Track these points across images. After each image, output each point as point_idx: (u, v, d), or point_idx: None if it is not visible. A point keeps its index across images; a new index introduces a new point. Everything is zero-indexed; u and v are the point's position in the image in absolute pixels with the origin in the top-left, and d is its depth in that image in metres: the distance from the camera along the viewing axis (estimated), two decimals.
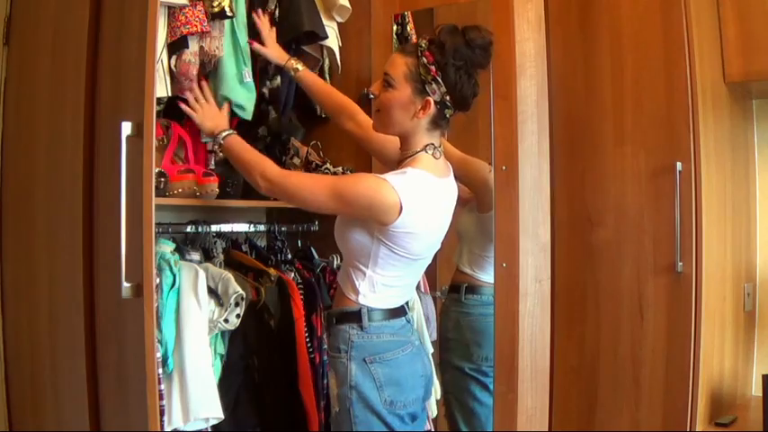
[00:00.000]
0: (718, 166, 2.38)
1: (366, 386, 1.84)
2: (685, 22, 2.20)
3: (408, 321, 1.96)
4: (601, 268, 2.35)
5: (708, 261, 2.21)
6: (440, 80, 1.82)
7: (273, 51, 2.20)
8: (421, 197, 1.82)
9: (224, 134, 1.98)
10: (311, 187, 1.88)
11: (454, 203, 1.98)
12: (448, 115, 1.87)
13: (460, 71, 1.82)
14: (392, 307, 1.91)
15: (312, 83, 2.20)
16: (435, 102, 1.83)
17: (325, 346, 2.35)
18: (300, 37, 2.35)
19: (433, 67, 1.81)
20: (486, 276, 2.39)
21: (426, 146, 1.87)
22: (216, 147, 2.04)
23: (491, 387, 2.35)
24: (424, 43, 1.84)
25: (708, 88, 2.29)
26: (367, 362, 1.85)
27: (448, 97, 1.83)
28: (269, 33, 2.21)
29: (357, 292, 1.87)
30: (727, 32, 2.41)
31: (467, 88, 1.84)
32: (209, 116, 2.04)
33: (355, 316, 1.87)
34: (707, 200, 2.22)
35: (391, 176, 1.80)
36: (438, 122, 1.87)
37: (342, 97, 2.20)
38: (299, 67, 2.19)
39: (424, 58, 1.81)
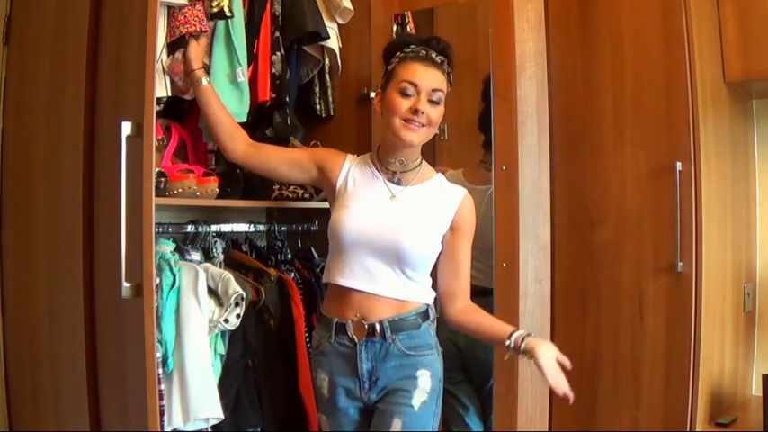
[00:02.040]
0: (719, 166, 2.38)
1: (443, 377, 1.97)
2: (685, 22, 2.20)
3: None
4: (601, 268, 2.35)
5: (708, 261, 2.21)
6: None
7: (197, 53, 2.03)
8: None
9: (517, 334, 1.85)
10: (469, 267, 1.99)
11: None
12: None
13: None
14: None
15: (214, 100, 2.02)
16: None
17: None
18: (303, 37, 2.36)
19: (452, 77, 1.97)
20: None
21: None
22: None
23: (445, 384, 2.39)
24: (443, 59, 1.93)
25: (708, 88, 2.29)
26: (442, 353, 1.98)
27: None
28: (204, 39, 2.08)
29: (429, 293, 1.97)
30: (727, 32, 2.41)
31: None
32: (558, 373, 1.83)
33: (428, 314, 1.97)
34: (707, 200, 2.21)
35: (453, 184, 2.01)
36: None
37: (234, 120, 2.09)
38: (207, 80, 2.02)
39: (451, 75, 1.96)
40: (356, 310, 1.91)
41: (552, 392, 2.35)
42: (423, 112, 1.88)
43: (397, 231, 1.89)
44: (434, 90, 1.89)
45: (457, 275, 1.95)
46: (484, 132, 2.43)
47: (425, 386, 1.90)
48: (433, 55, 1.92)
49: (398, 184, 1.97)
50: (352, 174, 2.01)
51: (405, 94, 1.89)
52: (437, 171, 2.04)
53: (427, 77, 1.89)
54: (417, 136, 1.91)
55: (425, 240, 1.92)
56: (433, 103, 1.89)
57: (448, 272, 1.96)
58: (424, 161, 2.01)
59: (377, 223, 1.90)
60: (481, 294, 2.33)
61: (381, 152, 1.99)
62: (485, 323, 1.95)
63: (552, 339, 2.36)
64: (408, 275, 1.91)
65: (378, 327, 1.89)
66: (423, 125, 1.90)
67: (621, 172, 2.32)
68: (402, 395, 1.89)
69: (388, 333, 1.88)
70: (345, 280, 1.93)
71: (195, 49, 2.01)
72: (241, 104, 2.19)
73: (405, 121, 1.89)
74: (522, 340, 1.82)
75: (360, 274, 1.90)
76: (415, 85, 1.89)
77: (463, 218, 1.96)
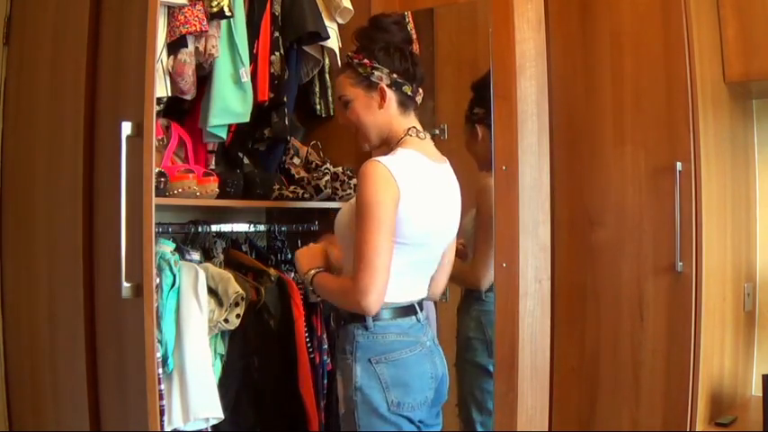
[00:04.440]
0: (718, 166, 2.38)
1: (371, 387, 1.82)
2: (685, 22, 2.20)
3: (419, 321, 1.91)
4: (601, 268, 2.35)
5: (708, 261, 2.21)
6: (378, 65, 1.92)
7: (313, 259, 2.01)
8: (414, 176, 1.83)
9: (312, 273, 1.91)
10: (376, 245, 1.76)
11: (456, 192, 1.99)
12: (408, 91, 1.94)
13: (389, 50, 1.94)
14: (400, 304, 1.88)
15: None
16: (387, 84, 1.92)
17: (325, 346, 2.35)
18: (303, 37, 2.36)
19: (366, 61, 1.93)
20: None
21: (408, 130, 1.94)
22: (308, 286, 1.96)
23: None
24: (350, 52, 1.98)
25: (708, 88, 2.29)
26: (372, 362, 1.83)
27: (395, 76, 1.92)
28: None
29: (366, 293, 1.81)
30: (727, 32, 2.41)
31: (405, 61, 1.95)
32: (307, 255, 1.97)
33: (360, 316, 1.83)
34: (707, 200, 2.21)
35: (384, 157, 1.84)
36: (404, 102, 1.94)
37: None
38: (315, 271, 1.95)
39: (355, 60, 1.94)
40: None
41: (552, 392, 2.37)
42: (344, 124, 1.98)
43: None
44: (339, 97, 1.97)
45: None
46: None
47: (341, 393, 1.87)
48: (346, 55, 1.99)
49: None
50: None
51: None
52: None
53: (335, 89, 2.00)
54: (362, 143, 1.99)
55: (338, 225, 1.94)
56: (345, 107, 1.96)
57: None
58: (400, 142, 1.92)
59: None
60: None
61: None
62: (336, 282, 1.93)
63: (552, 339, 2.36)
64: (348, 261, 1.86)
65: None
66: (356, 131, 1.97)
67: (621, 172, 2.32)
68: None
69: (334, 326, 1.93)
70: None
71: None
72: (245, 104, 2.20)
73: None
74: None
75: None
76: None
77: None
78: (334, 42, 2.48)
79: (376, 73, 1.91)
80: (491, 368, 2.36)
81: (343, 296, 1.84)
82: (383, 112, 1.92)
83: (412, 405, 1.84)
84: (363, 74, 1.92)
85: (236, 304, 2.05)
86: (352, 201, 1.88)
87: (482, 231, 2.36)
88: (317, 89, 2.60)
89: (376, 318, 1.84)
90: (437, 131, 2.57)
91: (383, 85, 1.91)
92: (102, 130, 1.85)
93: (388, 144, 1.95)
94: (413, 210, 1.81)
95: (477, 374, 2.43)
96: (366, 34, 1.97)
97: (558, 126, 2.39)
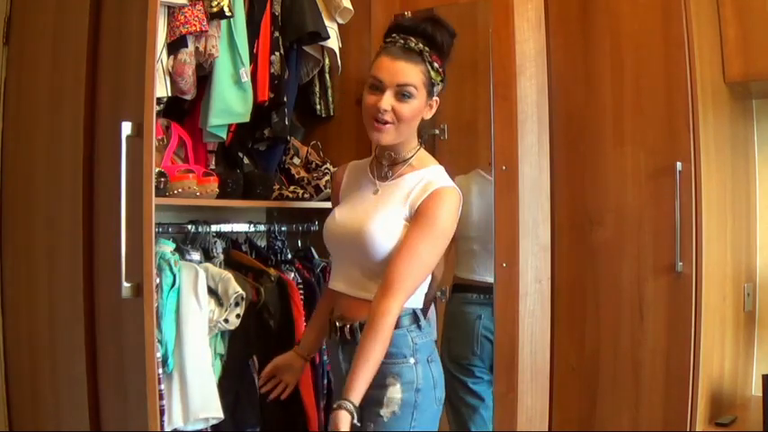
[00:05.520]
0: (719, 166, 2.38)
1: (428, 387, 1.82)
2: (685, 22, 2.20)
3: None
4: (601, 268, 2.35)
5: (708, 261, 2.21)
6: (445, 77, 1.83)
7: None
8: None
9: (345, 400, 1.67)
10: (429, 269, 1.80)
11: None
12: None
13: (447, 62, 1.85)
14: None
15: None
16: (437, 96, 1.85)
17: (325, 346, 2.34)
18: (303, 37, 2.36)
19: (441, 69, 1.82)
20: (468, 273, 2.45)
21: (419, 141, 1.90)
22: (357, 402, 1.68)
23: (469, 384, 2.40)
24: (423, 46, 1.79)
25: (708, 88, 2.29)
26: (429, 362, 1.83)
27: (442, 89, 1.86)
28: None
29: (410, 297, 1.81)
30: (727, 32, 2.41)
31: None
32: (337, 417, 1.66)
33: (412, 318, 1.82)
34: (707, 200, 2.21)
35: (452, 182, 1.83)
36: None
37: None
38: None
39: (435, 63, 1.81)
40: (338, 311, 1.88)
41: (552, 392, 2.37)
42: (385, 110, 1.77)
43: (358, 223, 1.81)
44: (400, 85, 1.77)
45: (393, 262, 1.75)
46: None
47: (395, 396, 1.77)
48: (411, 44, 1.78)
49: (386, 178, 1.88)
50: (348, 179, 1.98)
51: (373, 91, 1.80)
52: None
53: (392, 72, 1.77)
54: (385, 135, 1.80)
55: (380, 230, 1.78)
56: (402, 97, 1.78)
57: (390, 258, 1.78)
58: (420, 152, 1.88)
59: (349, 220, 1.85)
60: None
61: (378, 148, 1.91)
62: (356, 356, 1.72)
63: (552, 339, 2.37)
64: (378, 274, 1.78)
65: (348, 328, 1.82)
66: (388, 122, 1.78)
67: (621, 172, 2.32)
68: (373, 403, 1.78)
69: (359, 335, 1.77)
70: (330, 282, 1.93)
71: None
72: (245, 104, 2.20)
73: (374, 119, 1.79)
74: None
75: (338, 276, 1.87)
76: (380, 81, 1.78)
77: (425, 207, 1.77)
78: (334, 42, 2.48)
79: (440, 85, 1.83)
80: (449, 366, 2.37)
81: (379, 329, 1.70)
82: (419, 121, 1.84)
83: (442, 400, 1.88)
84: (433, 80, 1.81)
85: (236, 304, 2.05)
86: (399, 221, 1.79)
87: None
88: (317, 89, 2.60)
89: (424, 318, 1.86)
90: (437, 131, 2.58)
91: (437, 99, 1.84)
92: (102, 130, 1.85)
93: (393, 150, 1.86)
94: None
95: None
96: (443, 41, 1.81)
97: (558, 126, 2.40)
